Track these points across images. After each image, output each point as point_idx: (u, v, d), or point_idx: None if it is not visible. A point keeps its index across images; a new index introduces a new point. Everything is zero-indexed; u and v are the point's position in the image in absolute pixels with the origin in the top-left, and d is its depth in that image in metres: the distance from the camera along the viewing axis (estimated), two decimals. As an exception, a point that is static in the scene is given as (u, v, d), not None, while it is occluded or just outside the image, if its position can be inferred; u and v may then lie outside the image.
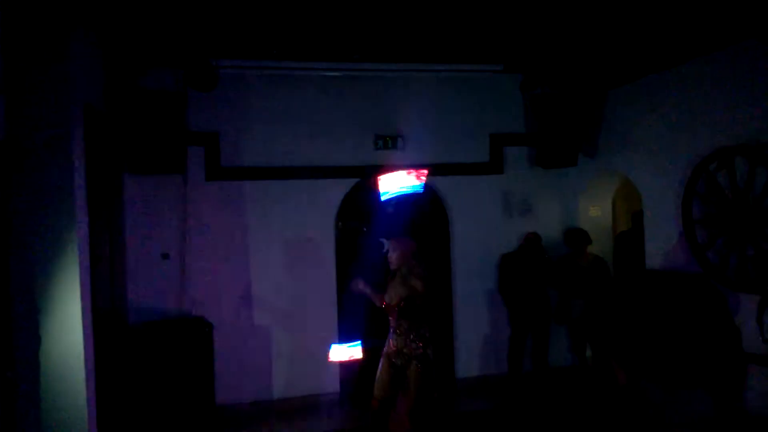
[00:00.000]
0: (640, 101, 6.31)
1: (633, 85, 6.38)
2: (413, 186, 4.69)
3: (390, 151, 6.53)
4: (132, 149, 5.57)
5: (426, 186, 6.78)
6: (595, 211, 7.27)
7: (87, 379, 3.95)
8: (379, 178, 4.74)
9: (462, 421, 5.77)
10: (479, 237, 6.86)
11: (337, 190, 6.51)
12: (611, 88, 6.70)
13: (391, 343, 4.55)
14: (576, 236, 6.54)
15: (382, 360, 4.61)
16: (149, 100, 5.51)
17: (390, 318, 4.57)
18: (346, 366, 6.29)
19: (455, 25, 5.09)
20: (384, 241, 4.72)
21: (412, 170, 4.66)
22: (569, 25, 5.04)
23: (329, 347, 4.95)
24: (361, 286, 4.69)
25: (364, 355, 4.87)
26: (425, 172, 4.76)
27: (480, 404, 6.22)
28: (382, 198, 4.71)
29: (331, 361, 5.27)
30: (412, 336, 4.46)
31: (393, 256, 4.59)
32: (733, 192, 5.17)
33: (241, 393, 6.08)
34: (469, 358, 6.88)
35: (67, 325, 3.89)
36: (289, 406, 6.14)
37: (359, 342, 4.83)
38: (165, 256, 5.91)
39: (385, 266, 4.69)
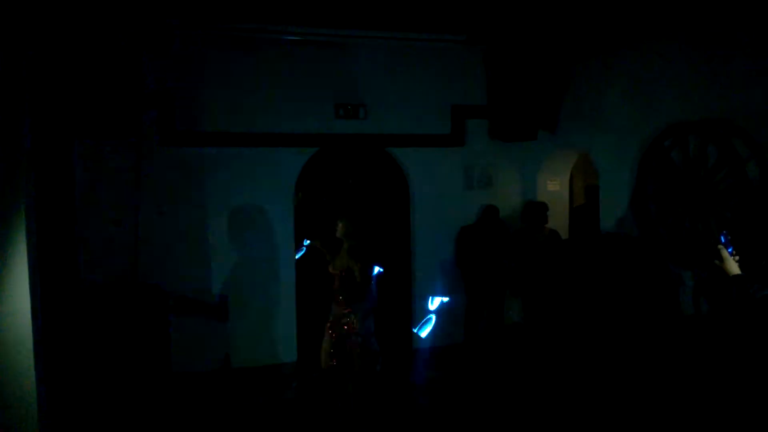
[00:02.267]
0: (599, 77, 6.38)
1: (593, 61, 6.44)
2: None
3: (351, 120, 6.45)
4: (83, 112, 5.34)
5: (387, 156, 6.80)
6: (554, 185, 7.38)
7: (36, 350, 3.84)
8: None
9: (416, 389, 5.88)
10: (440, 208, 6.89)
11: (296, 158, 6.40)
12: (572, 64, 6.74)
13: (333, 312, 4.64)
14: (534, 209, 6.63)
15: (326, 329, 4.68)
16: (101, 60, 5.27)
17: (333, 287, 4.65)
18: (304, 335, 6.31)
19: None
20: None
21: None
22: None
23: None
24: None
25: (318, 325, 4.92)
26: None
27: (435, 373, 6.33)
28: None
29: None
30: (349, 308, 4.56)
31: (340, 225, 4.66)
32: (685, 168, 5.31)
33: (198, 362, 6.02)
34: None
35: (15, 294, 3.76)
36: (247, 376, 6.12)
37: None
38: (117, 223, 5.74)
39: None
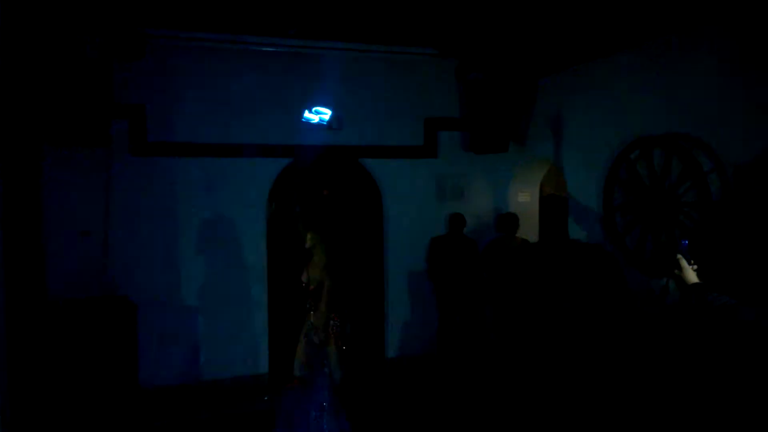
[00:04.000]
0: (567, 91, 6.51)
1: (561, 75, 6.58)
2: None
3: (325, 131, 6.47)
4: (53, 119, 5.27)
5: (360, 167, 6.82)
6: (524, 197, 7.49)
7: (0, 364, 3.76)
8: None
9: (388, 399, 5.88)
10: (412, 219, 6.94)
11: (269, 169, 6.40)
12: (542, 78, 6.88)
13: (309, 320, 4.62)
14: (508, 220, 6.70)
15: (301, 338, 4.66)
16: (72, 67, 5.23)
17: (309, 295, 4.64)
18: (275, 346, 6.27)
19: (393, 6, 5.09)
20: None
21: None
22: (503, 12, 5.14)
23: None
24: None
25: (291, 336, 4.90)
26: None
27: (407, 383, 6.34)
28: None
29: None
30: (328, 313, 4.56)
31: (309, 236, 4.67)
32: (650, 180, 5.44)
33: (168, 375, 5.94)
34: (400, 338, 6.98)
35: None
36: (218, 388, 6.06)
37: None
38: (85, 233, 5.66)
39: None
